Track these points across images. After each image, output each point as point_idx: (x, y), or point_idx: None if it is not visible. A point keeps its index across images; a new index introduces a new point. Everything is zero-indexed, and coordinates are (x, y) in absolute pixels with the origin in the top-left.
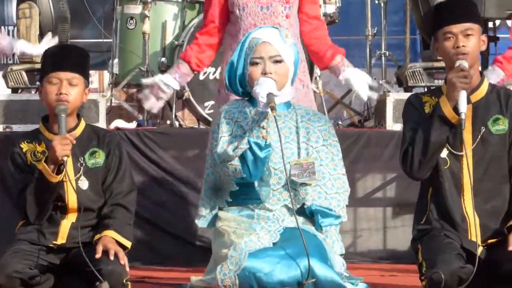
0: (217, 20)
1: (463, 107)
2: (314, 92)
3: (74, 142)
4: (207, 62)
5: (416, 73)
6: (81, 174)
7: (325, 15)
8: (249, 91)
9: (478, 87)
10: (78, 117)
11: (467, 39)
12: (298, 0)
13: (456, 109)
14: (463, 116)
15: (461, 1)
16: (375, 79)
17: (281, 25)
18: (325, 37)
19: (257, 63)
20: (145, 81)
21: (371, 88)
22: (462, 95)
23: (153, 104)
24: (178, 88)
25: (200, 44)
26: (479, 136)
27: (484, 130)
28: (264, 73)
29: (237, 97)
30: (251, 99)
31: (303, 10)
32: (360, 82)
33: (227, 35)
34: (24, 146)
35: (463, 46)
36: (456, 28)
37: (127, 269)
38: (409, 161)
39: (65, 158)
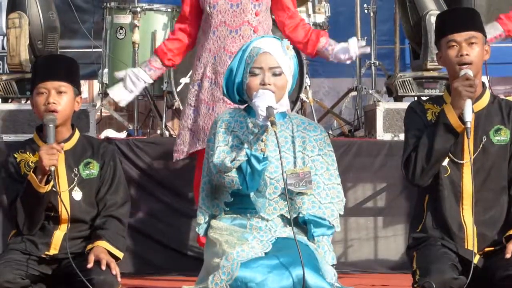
0: (191, 17)
1: (469, 115)
2: (304, 101)
3: (62, 152)
4: (179, 60)
5: (406, 83)
6: (75, 185)
7: (314, 24)
8: (246, 99)
9: (480, 96)
10: (73, 127)
11: (471, 47)
12: None
13: (460, 118)
14: (468, 125)
15: (465, 10)
16: (365, 88)
17: (250, 23)
18: (304, 23)
19: (256, 73)
20: (117, 74)
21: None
22: (468, 104)
23: (123, 96)
24: (150, 81)
25: (175, 40)
26: (480, 146)
27: (485, 139)
28: (263, 84)
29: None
30: (247, 108)
31: (279, 4)
32: (352, 48)
33: (200, 31)
34: (18, 156)
35: (466, 54)
36: (460, 36)
37: (119, 279)
38: (412, 167)
39: (52, 168)
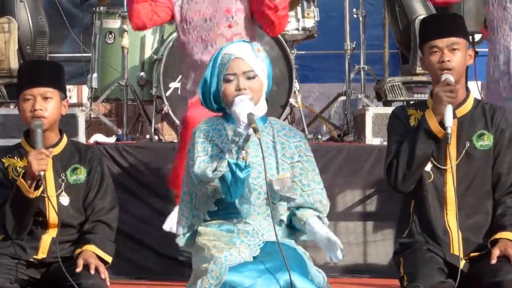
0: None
1: (449, 121)
2: (293, 106)
3: (50, 157)
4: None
5: (395, 87)
6: (62, 190)
7: (303, 29)
8: (223, 107)
9: (463, 101)
10: (61, 132)
11: (453, 53)
12: (244, 8)
13: (442, 123)
14: (449, 130)
15: (448, 15)
16: (354, 93)
17: (225, 35)
18: None
19: (230, 80)
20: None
21: None
22: (448, 109)
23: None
24: None
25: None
26: (464, 151)
27: (468, 145)
28: (238, 89)
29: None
30: (226, 115)
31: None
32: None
33: (179, 45)
34: (6, 161)
35: (448, 60)
36: (442, 42)
37: (108, 283)
38: (394, 173)
39: (41, 173)
